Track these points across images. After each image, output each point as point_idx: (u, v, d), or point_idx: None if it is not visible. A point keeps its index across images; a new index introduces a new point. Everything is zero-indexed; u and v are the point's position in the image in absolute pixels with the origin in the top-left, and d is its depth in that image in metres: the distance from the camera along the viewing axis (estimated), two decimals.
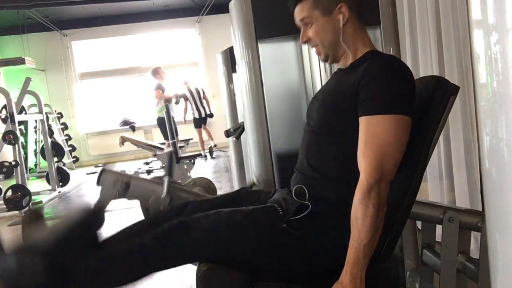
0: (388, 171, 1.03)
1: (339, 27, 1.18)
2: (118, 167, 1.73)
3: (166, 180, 1.61)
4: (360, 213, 1.01)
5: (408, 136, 1.07)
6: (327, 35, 1.20)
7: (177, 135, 5.38)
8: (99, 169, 1.64)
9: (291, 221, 1.13)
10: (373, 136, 1.04)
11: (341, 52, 1.22)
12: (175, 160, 4.97)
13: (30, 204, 4.77)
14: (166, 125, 5.95)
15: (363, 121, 1.07)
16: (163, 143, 6.43)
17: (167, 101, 5.99)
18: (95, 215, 1.26)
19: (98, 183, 1.61)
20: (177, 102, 6.51)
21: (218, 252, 1.15)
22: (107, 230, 1.26)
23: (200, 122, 7.87)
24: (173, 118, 5.43)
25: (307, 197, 1.15)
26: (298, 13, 1.23)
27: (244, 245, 1.14)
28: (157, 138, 7.84)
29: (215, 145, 7.87)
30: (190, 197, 1.68)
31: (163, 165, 6.30)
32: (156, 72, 6.30)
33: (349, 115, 1.11)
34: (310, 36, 1.22)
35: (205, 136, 8.11)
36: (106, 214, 1.28)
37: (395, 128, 1.04)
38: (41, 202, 5.17)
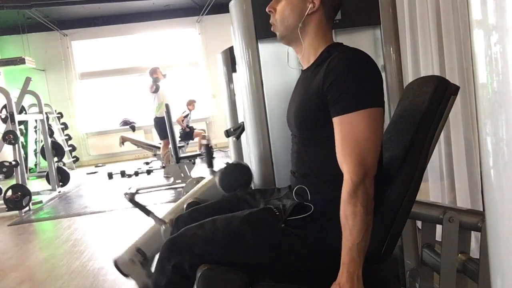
0: (370, 166, 1.02)
1: (304, 14, 1.18)
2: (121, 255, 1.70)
3: (152, 217, 1.60)
4: (349, 213, 1.01)
5: (383, 127, 1.07)
6: (290, 16, 1.20)
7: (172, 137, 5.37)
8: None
9: (289, 221, 1.13)
10: (349, 135, 1.03)
11: (298, 41, 1.21)
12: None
13: (30, 204, 4.78)
14: (161, 125, 5.95)
15: (336, 121, 1.06)
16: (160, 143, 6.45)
17: (159, 120, 5.98)
18: None
19: (124, 274, 1.59)
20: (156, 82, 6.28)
21: (219, 261, 1.15)
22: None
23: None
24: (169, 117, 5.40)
25: (309, 197, 1.15)
26: None
27: (244, 251, 1.14)
28: (157, 138, 7.87)
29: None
30: (191, 200, 1.69)
31: (163, 165, 6.31)
32: (154, 71, 6.31)
33: (323, 117, 1.10)
34: (276, 9, 1.23)
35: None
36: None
37: (369, 123, 1.03)
38: (41, 202, 5.18)
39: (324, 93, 1.08)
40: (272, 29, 1.26)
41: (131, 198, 1.58)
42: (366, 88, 1.06)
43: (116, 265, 1.58)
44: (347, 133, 1.04)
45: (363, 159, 1.02)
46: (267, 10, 1.25)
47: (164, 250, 1.20)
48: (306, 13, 1.18)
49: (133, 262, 1.56)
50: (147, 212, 1.60)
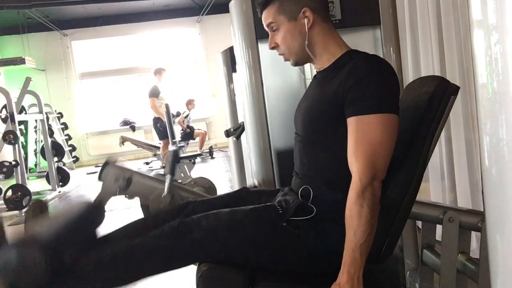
0: (380, 170, 1.03)
1: (305, 31, 1.18)
2: (121, 161, 1.68)
3: (168, 178, 1.60)
4: (355, 213, 1.01)
5: (397, 135, 1.07)
6: (294, 41, 1.20)
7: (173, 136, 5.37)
8: (99, 169, 1.62)
9: (292, 221, 1.13)
10: (363, 136, 1.04)
11: (312, 55, 1.22)
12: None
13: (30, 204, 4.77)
14: (161, 125, 5.96)
15: (352, 121, 1.06)
16: (160, 143, 6.45)
17: (157, 120, 5.99)
18: (96, 210, 1.26)
19: (100, 177, 1.58)
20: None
21: (219, 252, 1.15)
22: (108, 228, 1.26)
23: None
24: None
25: (311, 199, 1.15)
26: (265, 18, 1.23)
27: (244, 245, 1.14)
28: (157, 138, 7.86)
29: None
30: (191, 197, 1.68)
31: (163, 165, 6.31)
32: (158, 72, 6.31)
33: (334, 119, 1.10)
34: (277, 42, 1.23)
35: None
36: (106, 212, 1.28)
37: (385, 127, 1.04)
38: None
39: (345, 91, 1.08)
40: (284, 59, 1.26)
41: (174, 152, 1.59)
42: (388, 94, 1.07)
43: (105, 166, 1.56)
44: (362, 134, 1.04)
45: (374, 161, 1.02)
46: (269, 48, 1.25)
47: (169, 227, 1.17)
48: (306, 30, 1.17)
49: (117, 180, 1.55)
50: (172, 172, 1.60)
